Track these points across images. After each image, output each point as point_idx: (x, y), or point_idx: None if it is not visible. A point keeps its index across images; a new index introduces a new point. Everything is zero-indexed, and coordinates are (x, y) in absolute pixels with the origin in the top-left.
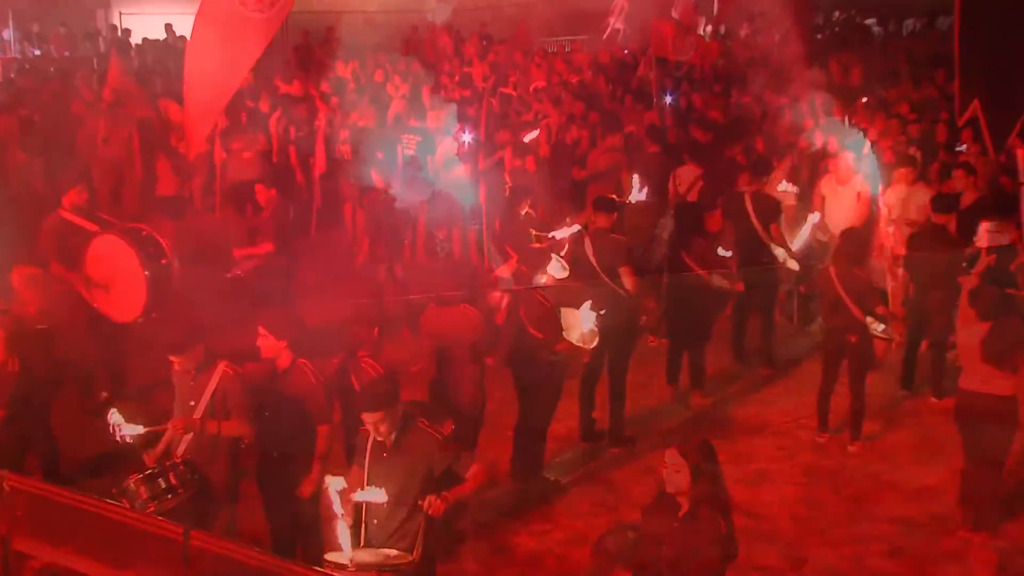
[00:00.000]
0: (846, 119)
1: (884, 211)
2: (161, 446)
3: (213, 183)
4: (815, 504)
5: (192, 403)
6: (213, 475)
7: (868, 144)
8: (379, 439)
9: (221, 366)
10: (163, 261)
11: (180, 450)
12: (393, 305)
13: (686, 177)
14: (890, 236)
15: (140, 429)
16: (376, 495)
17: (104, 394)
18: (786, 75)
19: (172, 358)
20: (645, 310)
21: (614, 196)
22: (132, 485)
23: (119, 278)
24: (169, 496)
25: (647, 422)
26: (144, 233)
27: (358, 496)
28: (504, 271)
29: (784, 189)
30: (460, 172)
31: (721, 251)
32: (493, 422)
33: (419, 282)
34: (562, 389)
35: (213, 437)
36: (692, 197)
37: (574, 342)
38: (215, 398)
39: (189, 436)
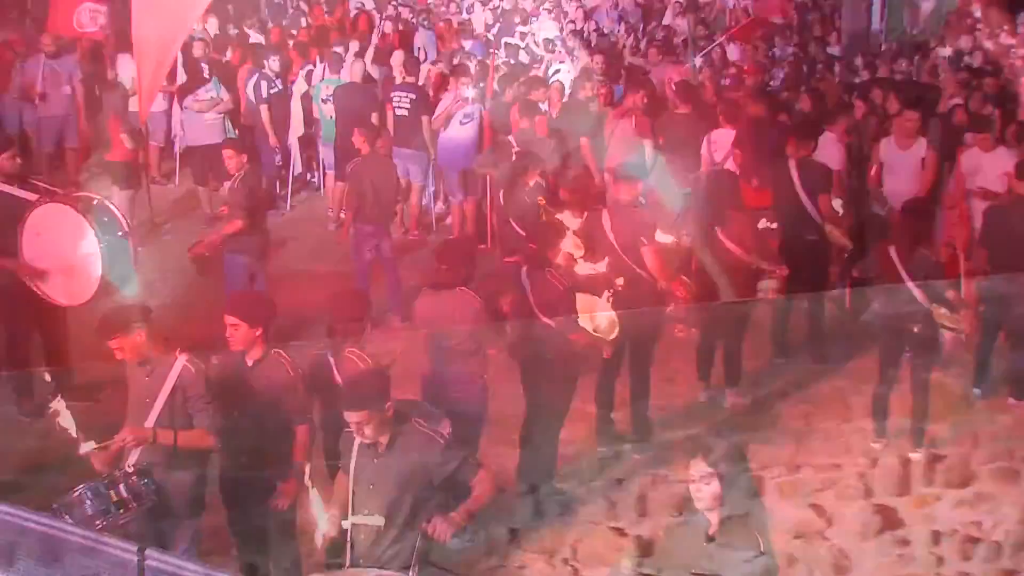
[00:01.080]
0: (911, 72)
1: (958, 181)
2: (114, 449)
3: (171, 147)
4: (870, 520)
5: (148, 401)
6: (173, 486)
7: (936, 102)
8: (366, 442)
9: (181, 360)
10: (119, 234)
11: (134, 457)
12: (381, 288)
13: (722, 142)
14: (964, 209)
15: (91, 446)
16: (371, 519)
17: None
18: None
19: (110, 343)
20: (672, 295)
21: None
22: (77, 498)
23: (66, 255)
24: (120, 511)
25: (674, 424)
26: (95, 202)
27: (347, 522)
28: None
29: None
30: (461, 135)
31: (764, 223)
32: (497, 422)
33: (411, 262)
34: (576, 385)
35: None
36: (728, 165)
37: (591, 331)
38: (173, 398)
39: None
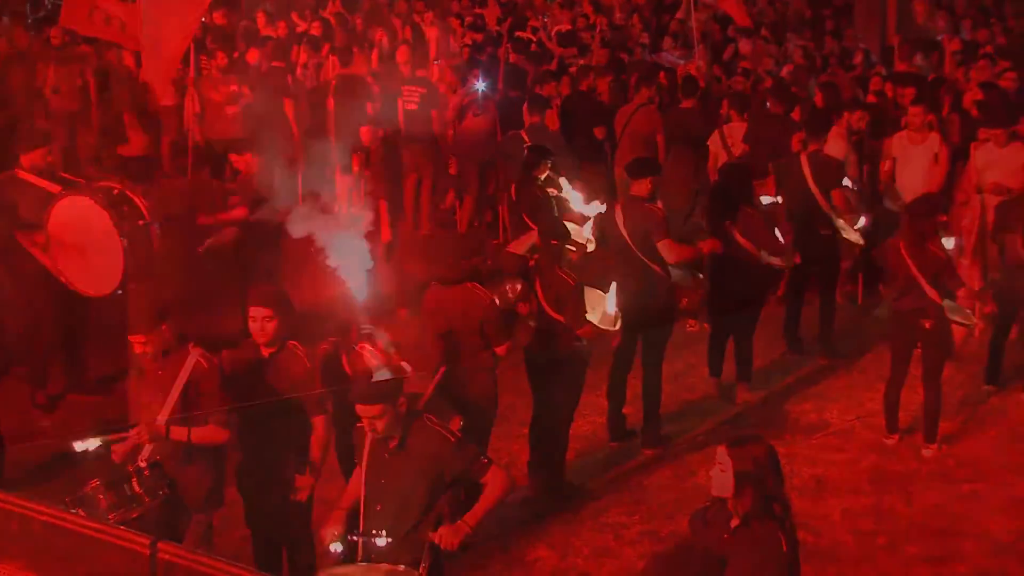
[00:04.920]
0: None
1: (970, 175)
2: (128, 443)
3: (184, 141)
4: (883, 517)
5: (161, 396)
6: (187, 479)
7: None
8: (378, 437)
9: (194, 355)
10: (140, 223)
11: (146, 452)
12: (390, 283)
13: (736, 136)
14: (977, 205)
15: (96, 443)
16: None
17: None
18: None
19: (135, 339)
20: (684, 290)
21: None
22: (90, 492)
23: (91, 245)
24: (133, 505)
25: (685, 419)
26: (116, 192)
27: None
28: (519, 245)
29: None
30: (475, 127)
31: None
32: (506, 418)
33: (420, 256)
34: (584, 380)
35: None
36: (742, 159)
37: (597, 324)
38: (186, 393)
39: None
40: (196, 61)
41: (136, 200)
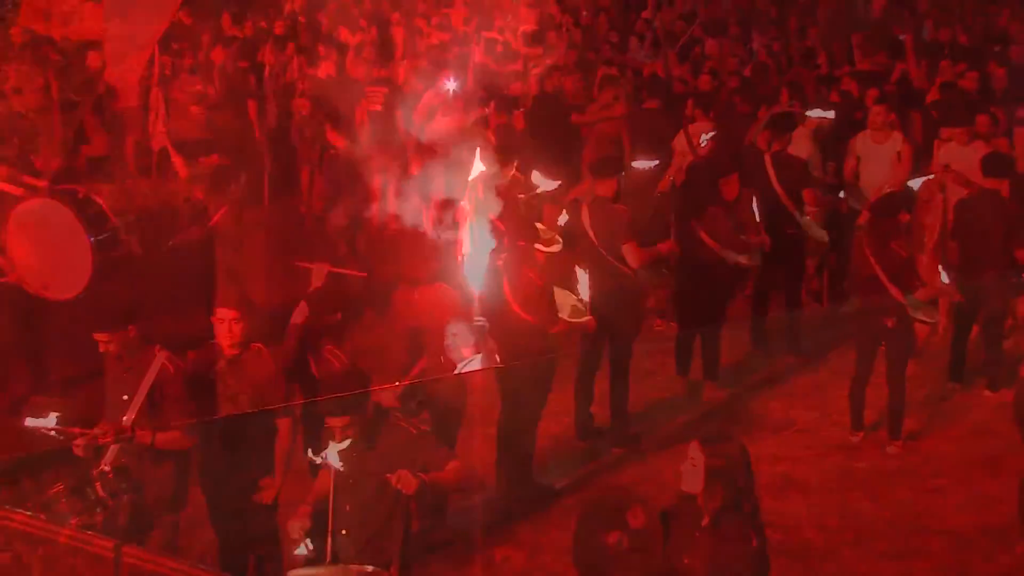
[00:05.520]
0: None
1: (933, 174)
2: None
3: (148, 141)
4: (848, 514)
5: (125, 397)
6: (151, 483)
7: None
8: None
9: (160, 357)
10: (107, 226)
11: (111, 456)
12: (356, 284)
13: (701, 136)
14: (939, 203)
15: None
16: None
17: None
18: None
19: (99, 336)
20: (651, 289)
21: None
22: (53, 497)
23: (56, 249)
24: (97, 509)
25: (653, 418)
26: (81, 195)
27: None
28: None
29: None
30: (438, 131)
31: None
32: (474, 418)
33: (385, 258)
34: (552, 379)
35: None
36: (707, 158)
37: (568, 319)
38: (152, 396)
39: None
40: (160, 61)
41: (101, 203)
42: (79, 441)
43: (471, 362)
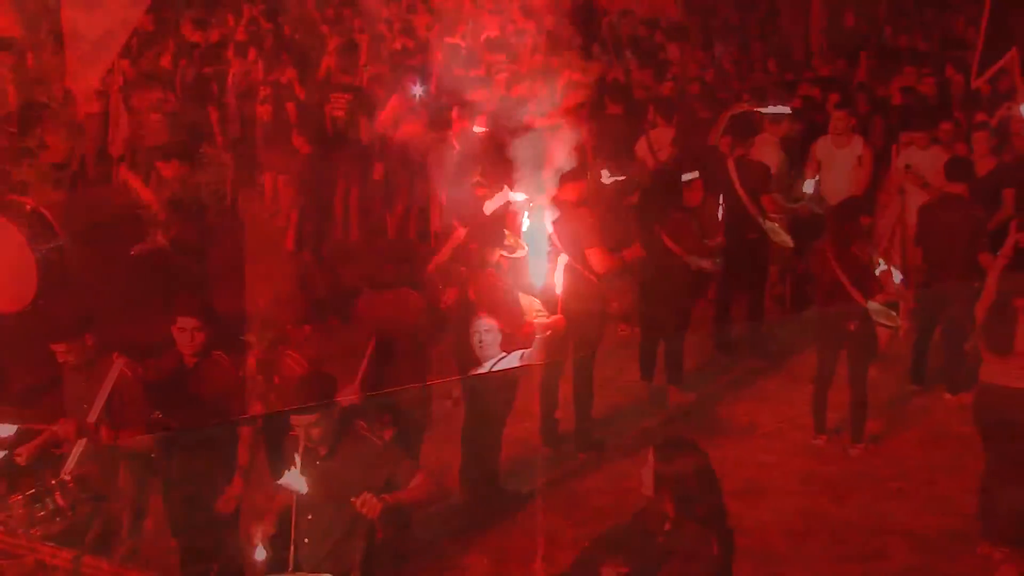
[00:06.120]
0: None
1: (890, 178)
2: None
3: (107, 148)
4: (812, 516)
5: (85, 405)
6: (112, 492)
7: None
8: (310, 445)
9: (118, 364)
10: (53, 242)
11: (70, 465)
12: (320, 291)
13: (662, 141)
14: (898, 206)
15: (11, 429)
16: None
17: None
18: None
19: (56, 347)
20: (614, 294)
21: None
22: (11, 508)
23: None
24: (57, 519)
25: (618, 422)
26: (29, 208)
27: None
28: (444, 252)
29: None
30: (401, 137)
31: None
32: (439, 424)
33: (350, 264)
34: (516, 385)
35: (110, 448)
36: (669, 164)
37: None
38: (111, 402)
39: (81, 448)
40: (121, 67)
41: (48, 216)
42: (20, 450)
43: (506, 359)
